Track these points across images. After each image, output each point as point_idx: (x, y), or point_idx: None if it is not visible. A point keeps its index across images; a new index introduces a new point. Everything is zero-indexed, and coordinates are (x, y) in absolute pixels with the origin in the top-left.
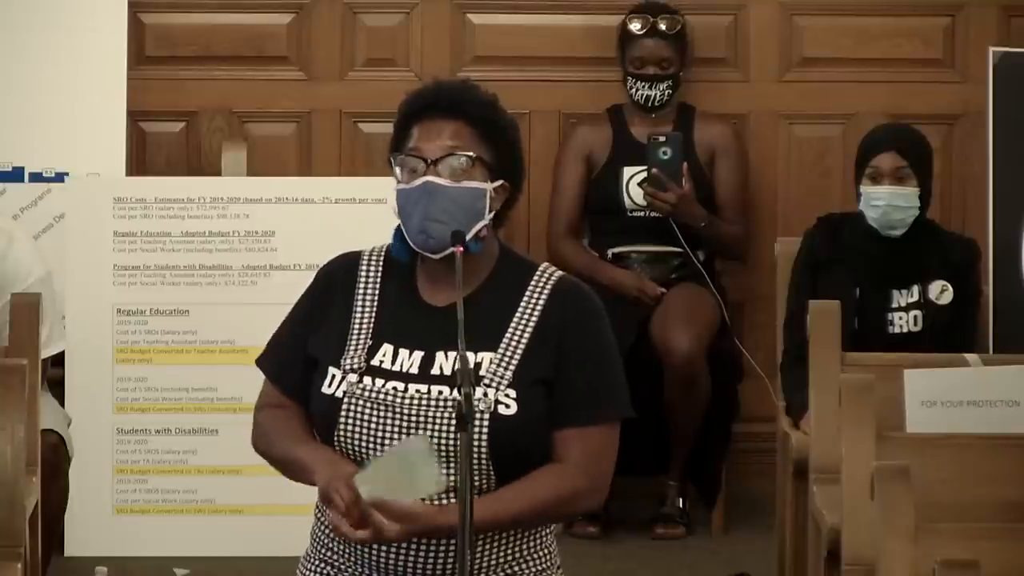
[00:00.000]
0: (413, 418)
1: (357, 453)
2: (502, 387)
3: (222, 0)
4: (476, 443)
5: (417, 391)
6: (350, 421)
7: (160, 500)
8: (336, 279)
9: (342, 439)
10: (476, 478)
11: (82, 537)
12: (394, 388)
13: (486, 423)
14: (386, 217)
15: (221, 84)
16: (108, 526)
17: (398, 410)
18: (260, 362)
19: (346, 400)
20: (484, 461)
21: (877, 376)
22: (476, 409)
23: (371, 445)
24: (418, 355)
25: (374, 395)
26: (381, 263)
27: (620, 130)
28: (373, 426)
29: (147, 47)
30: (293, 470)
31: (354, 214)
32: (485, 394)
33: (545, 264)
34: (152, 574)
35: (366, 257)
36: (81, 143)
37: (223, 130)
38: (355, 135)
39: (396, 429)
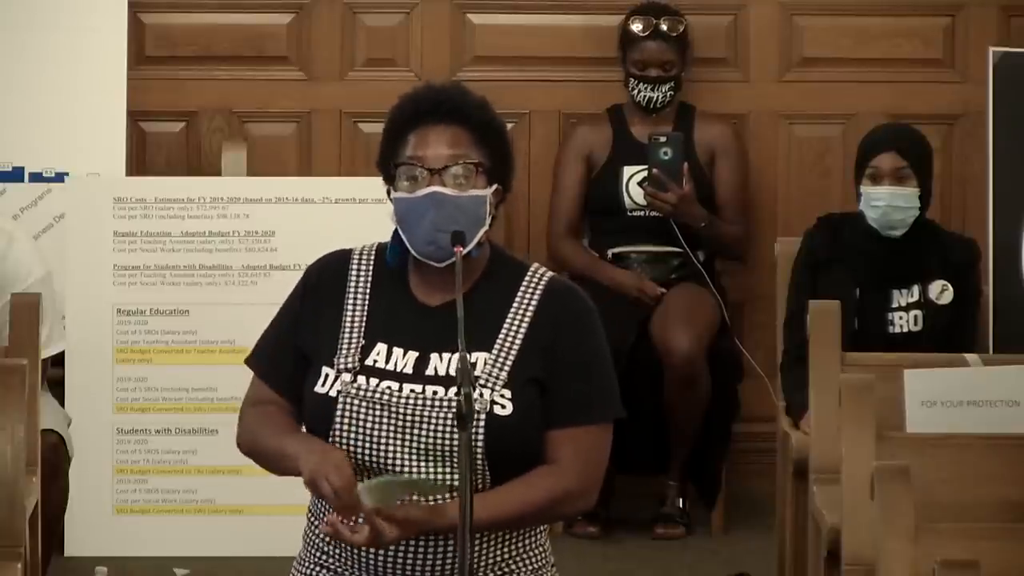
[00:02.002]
0: (409, 418)
1: (353, 453)
2: (497, 387)
3: (222, 0)
4: (472, 443)
5: (412, 391)
6: (345, 421)
7: (160, 500)
8: (327, 277)
9: (337, 439)
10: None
11: (82, 537)
12: (389, 388)
13: (482, 423)
14: (386, 217)
15: (221, 84)
16: (108, 526)
17: (394, 410)
18: (249, 360)
19: (340, 399)
20: (480, 461)
21: (877, 376)
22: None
23: (367, 445)
24: (412, 355)
25: (369, 395)
26: (372, 262)
27: (620, 130)
28: (369, 426)
29: (147, 47)
30: (280, 462)
31: (354, 214)
32: (481, 394)
33: (536, 264)
34: (152, 574)
35: (356, 255)
36: (81, 143)
37: (223, 130)
38: (355, 135)
39: (392, 428)
